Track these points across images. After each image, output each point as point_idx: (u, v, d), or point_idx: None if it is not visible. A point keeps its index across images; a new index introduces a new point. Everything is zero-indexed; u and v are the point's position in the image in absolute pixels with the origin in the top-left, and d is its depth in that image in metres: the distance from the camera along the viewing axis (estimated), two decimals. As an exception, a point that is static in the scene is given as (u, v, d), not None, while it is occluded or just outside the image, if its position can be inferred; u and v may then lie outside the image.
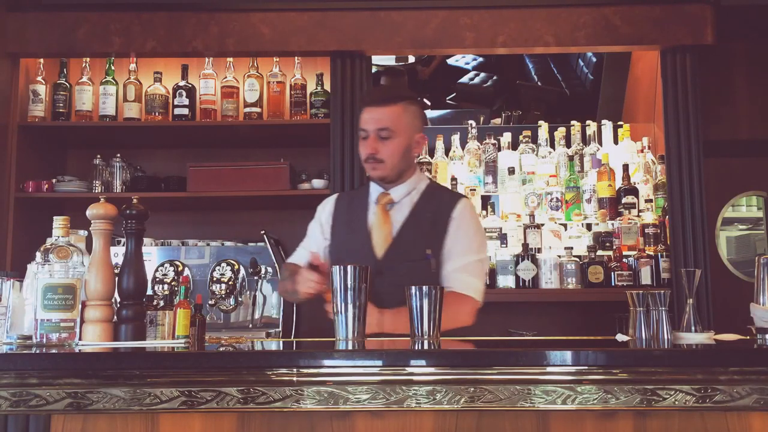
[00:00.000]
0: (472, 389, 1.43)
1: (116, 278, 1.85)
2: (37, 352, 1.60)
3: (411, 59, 5.96)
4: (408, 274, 2.08)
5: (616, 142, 4.03)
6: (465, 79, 6.08)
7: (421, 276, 2.13)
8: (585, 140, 4.04)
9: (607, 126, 4.07)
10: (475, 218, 2.34)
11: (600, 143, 4.02)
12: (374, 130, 2.21)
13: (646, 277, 3.60)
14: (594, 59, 5.36)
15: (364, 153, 2.24)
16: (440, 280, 2.21)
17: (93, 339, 1.79)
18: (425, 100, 6.04)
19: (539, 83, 5.88)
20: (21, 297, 1.85)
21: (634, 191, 3.79)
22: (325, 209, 2.40)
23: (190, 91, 3.86)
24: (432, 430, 1.52)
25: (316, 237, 2.38)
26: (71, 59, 3.92)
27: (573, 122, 4.07)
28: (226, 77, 3.88)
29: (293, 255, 2.45)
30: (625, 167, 3.81)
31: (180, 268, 3.63)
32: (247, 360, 1.57)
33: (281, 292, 2.55)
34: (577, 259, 3.63)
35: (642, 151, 3.97)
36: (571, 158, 3.94)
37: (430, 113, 5.61)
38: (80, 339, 1.76)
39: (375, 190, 2.33)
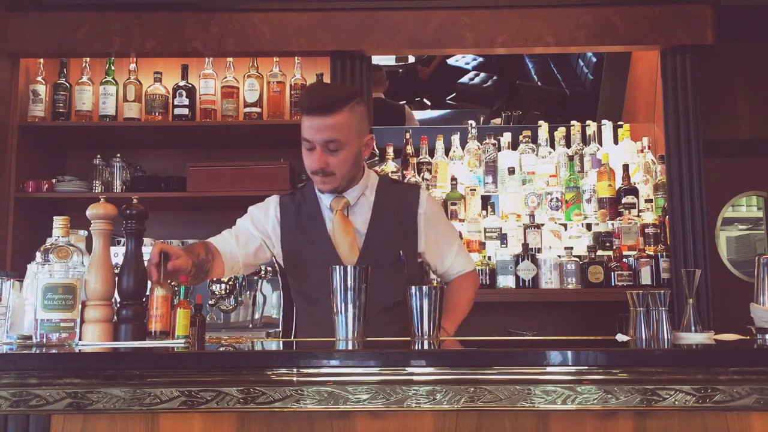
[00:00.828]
0: (472, 389, 1.43)
1: (116, 278, 1.85)
2: (37, 352, 1.60)
3: (411, 59, 5.96)
4: (383, 280, 1.97)
5: (616, 142, 4.03)
6: (465, 79, 6.08)
7: (397, 279, 2.08)
8: (585, 140, 4.04)
9: (607, 126, 4.07)
10: (438, 205, 2.33)
11: (600, 143, 4.02)
12: (321, 141, 2.02)
13: (646, 277, 3.60)
14: (594, 59, 5.36)
15: (312, 166, 2.05)
16: (442, 275, 2.30)
17: (93, 339, 1.79)
18: (425, 100, 6.05)
19: (539, 83, 5.89)
20: (21, 297, 1.85)
21: (634, 191, 3.80)
22: (269, 213, 2.22)
23: (190, 91, 3.86)
24: (432, 430, 1.52)
25: (251, 235, 2.22)
26: (71, 59, 3.92)
27: (573, 122, 4.08)
28: (226, 77, 3.88)
29: (214, 237, 2.27)
30: (625, 167, 3.81)
31: (180, 268, 3.62)
32: (247, 360, 1.57)
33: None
34: (577, 259, 3.63)
35: (642, 151, 3.97)
36: (571, 158, 3.94)
37: (430, 113, 5.62)
38: (80, 339, 1.76)
39: (325, 195, 2.17)
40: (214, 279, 3.61)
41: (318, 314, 2.14)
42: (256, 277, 3.63)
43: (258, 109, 3.84)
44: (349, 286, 1.76)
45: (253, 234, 2.23)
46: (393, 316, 2.08)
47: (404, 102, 5.68)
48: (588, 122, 4.09)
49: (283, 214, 2.21)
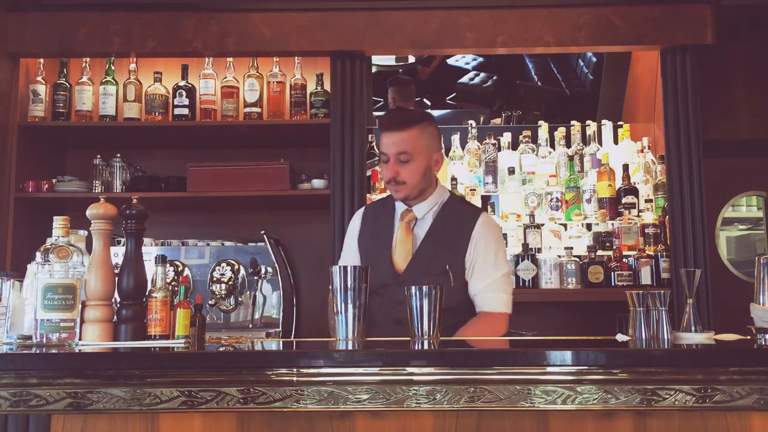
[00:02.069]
0: (472, 389, 1.43)
1: (116, 278, 1.85)
2: (37, 352, 1.60)
3: (411, 59, 5.96)
4: None
5: (616, 142, 4.03)
6: (465, 79, 6.08)
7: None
8: (585, 140, 4.04)
9: (607, 126, 4.07)
10: (496, 232, 2.40)
11: (600, 143, 4.02)
12: (394, 153, 2.28)
13: (646, 277, 3.60)
14: (594, 59, 5.36)
15: (386, 176, 2.31)
16: (469, 297, 2.29)
17: (93, 339, 1.79)
18: (425, 100, 6.05)
19: (539, 83, 5.89)
20: (21, 297, 1.85)
21: (634, 191, 3.79)
22: (354, 223, 2.48)
23: (190, 91, 3.86)
24: (432, 430, 1.52)
25: (351, 250, 2.43)
26: (71, 59, 3.92)
27: (573, 122, 4.07)
28: (226, 77, 3.88)
29: None
30: (625, 167, 3.81)
31: (180, 268, 3.63)
32: (247, 360, 1.57)
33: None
34: (577, 259, 3.63)
35: (642, 151, 3.97)
36: (571, 158, 3.94)
37: (430, 113, 5.61)
38: (80, 339, 1.76)
39: (400, 205, 2.39)
40: (214, 279, 3.61)
41: (371, 315, 2.19)
42: (256, 277, 3.64)
43: (258, 109, 3.84)
44: (349, 286, 1.76)
45: (349, 255, 2.43)
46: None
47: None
48: (588, 122, 4.09)
49: (363, 221, 2.46)
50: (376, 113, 4.76)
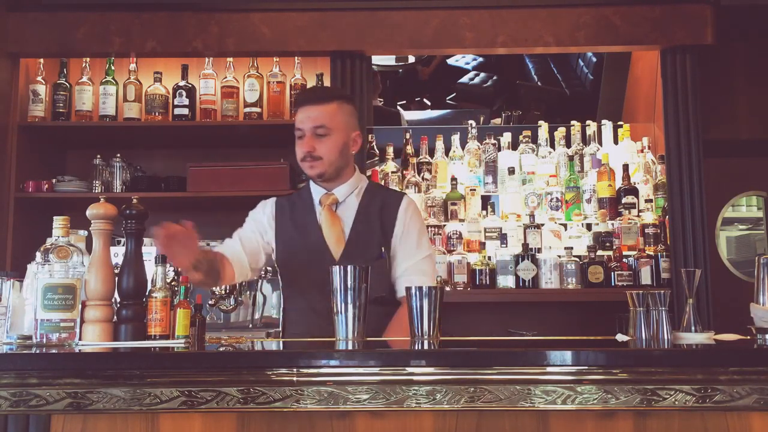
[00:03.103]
0: (472, 389, 1.43)
1: (116, 278, 1.85)
2: (37, 352, 1.60)
3: (411, 59, 5.96)
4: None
5: (616, 142, 4.03)
6: (465, 79, 6.08)
7: (379, 276, 2.13)
8: (585, 140, 4.04)
9: (607, 126, 4.07)
10: (419, 214, 2.36)
11: (600, 143, 4.02)
12: (310, 128, 2.21)
13: (646, 277, 3.60)
14: (594, 59, 5.36)
15: (301, 152, 2.22)
16: (392, 281, 2.24)
17: (93, 339, 1.79)
18: (425, 100, 6.04)
19: (539, 83, 5.88)
20: (21, 297, 1.85)
21: (634, 191, 3.79)
22: (265, 212, 2.34)
23: (190, 91, 3.86)
24: (432, 430, 1.52)
25: (252, 235, 2.30)
26: (71, 59, 3.92)
27: (573, 122, 4.07)
28: (226, 77, 3.88)
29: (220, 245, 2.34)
30: (625, 167, 3.81)
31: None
32: (247, 360, 1.57)
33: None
34: (577, 259, 3.63)
35: (642, 151, 3.97)
36: (571, 158, 3.94)
37: (430, 113, 5.61)
38: (80, 339, 1.76)
39: (317, 191, 2.30)
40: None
41: (306, 304, 2.23)
42: (256, 277, 3.63)
43: (258, 109, 3.84)
44: (349, 286, 1.76)
45: (254, 236, 2.31)
46: (373, 310, 2.04)
47: (404, 102, 5.68)
48: (588, 122, 4.09)
49: (278, 210, 2.33)
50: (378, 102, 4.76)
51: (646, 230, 3.72)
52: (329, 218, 2.24)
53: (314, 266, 2.14)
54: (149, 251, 3.74)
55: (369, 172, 3.80)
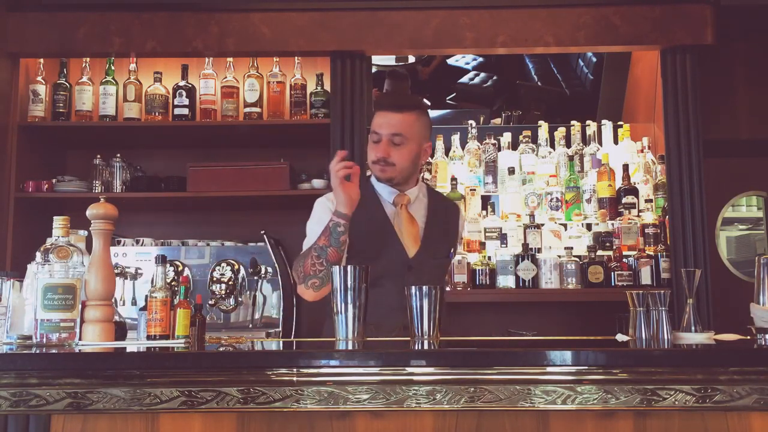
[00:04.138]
0: (472, 389, 1.43)
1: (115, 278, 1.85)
2: (37, 352, 1.60)
3: (411, 59, 5.96)
4: (433, 272, 2.26)
5: (616, 142, 4.03)
6: (465, 79, 6.08)
7: (442, 274, 2.37)
8: (585, 140, 4.04)
9: (607, 126, 4.07)
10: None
11: (600, 143, 4.02)
12: (388, 134, 2.25)
13: (646, 277, 3.60)
14: (594, 59, 5.36)
15: (375, 155, 2.27)
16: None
17: (93, 339, 1.79)
18: (425, 100, 6.04)
19: (539, 83, 5.88)
20: (21, 297, 1.85)
21: (634, 191, 3.79)
22: (330, 205, 2.28)
23: (190, 91, 3.86)
24: (432, 430, 1.52)
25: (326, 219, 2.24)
26: (71, 59, 3.92)
27: (573, 122, 4.07)
28: (226, 77, 3.88)
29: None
30: (625, 167, 3.81)
31: (180, 268, 3.62)
32: (247, 360, 1.57)
33: (310, 285, 2.18)
34: (577, 259, 3.63)
35: (642, 151, 3.97)
36: (571, 158, 3.94)
37: (430, 113, 5.60)
38: (80, 339, 1.76)
39: (384, 190, 2.35)
40: (214, 279, 3.61)
41: (376, 295, 2.09)
42: (256, 277, 3.64)
43: (258, 109, 3.84)
44: (349, 286, 1.76)
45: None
46: None
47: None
48: (588, 122, 4.09)
49: None
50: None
51: (646, 230, 3.72)
52: (407, 218, 2.30)
53: (389, 261, 2.21)
54: (149, 251, 3.76)
55: (369, 172, 3.79)
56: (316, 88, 3.82)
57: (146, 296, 1.88)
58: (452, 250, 2.38)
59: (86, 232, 1.96)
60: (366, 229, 2.28)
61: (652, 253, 3.66)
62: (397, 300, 1.92)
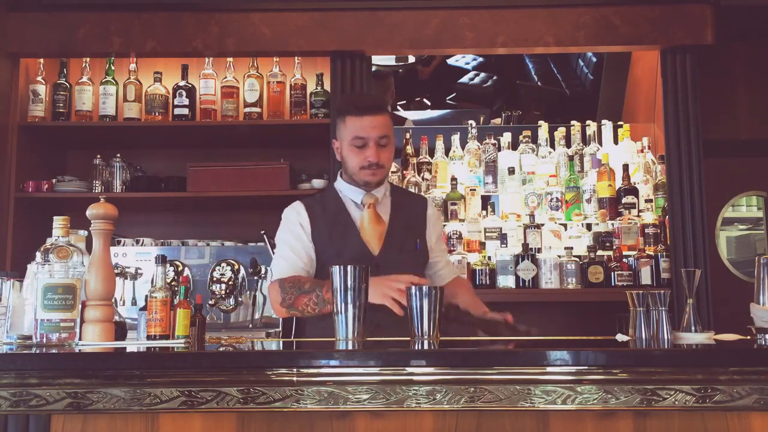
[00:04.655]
0: (472, 389, 1.43)
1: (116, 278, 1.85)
2: (37, 352, 1.60)
3: (411, 59, 5.96)
4: (403, 265, 2.21)
5: (616, 142, 4.03)
6: (465, 79, 6.08)
7: (416, 266, 2.32)
8: (585, 140, 4.04)
9: (607, 126, 4.07)
10: (439, 215, 2.64)
11: (600, 143, 4.02)
12: (376, 137, 2.26)
13: (646, 277, 3.60)
14: (594, 59, 5.36)
15: (366, 160, 2.27)
16: (432, 273, 2.45)
17: (93, 339, 1.79)
18: (425, 100, 6.05)
19: (539, 83, 5.88)
20: (21, 297, 1.85)
21: (634, 191, 3.79)
22: (300, 215, 2.34)
23: (190, 91, 3.86)
24: (432, 430, 1.52)
25: (303, 242, 2.30)
26: (71, 59, 3.92)
27: (573, 122, 4.07)
28: (226, 77, 3.88)
29: (279, 268, 2.30)
30: (625, 167, 3.81)
31: (180, 268, 3.62)
32: (247, 360, 1.57)
33: (295, 310, 2.21)
34: (577, 259, 3.63)
35: (642, 151, 3.97)
36: (571, 158, 3.94)
37: (430, 113, 5.61)
38: (80, 339, 1.76)
39: (352, 191, 2.36)
40: (214, 279, 3.62)
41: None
42: (256, 277, 3.64)
43: (258, 109, 3.84)
44: (349, 286, 1.76)
45: (302, 246, 2.32)
46: None
47: (404, 102, 5.68)
48: (588, 122, 4.09)
49: (310, 215, 2.35)
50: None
51: (646, 230, 3.72)
52: (374, 218, 2.32)
53: (354, 262, 2.16)
54: (149, 251, 3.76)
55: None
56: (316, 88, 3.83)
57: (146, 296, 1.88)
58: (417, 241, 2.38)
59: (86, 232, 1.96)
60: (333, 236, 2.30)
61: (652, 253, 3.66)
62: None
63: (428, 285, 1.81)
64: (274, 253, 2.44)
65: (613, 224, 3.77)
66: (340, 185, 2.40)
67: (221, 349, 1.76)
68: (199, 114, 3.89)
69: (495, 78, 6.03)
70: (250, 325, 3.60)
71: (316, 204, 2.39)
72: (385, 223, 2.33)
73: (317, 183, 3.77)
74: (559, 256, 3.63)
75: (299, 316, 2.28)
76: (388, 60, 5.83)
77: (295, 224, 2.34)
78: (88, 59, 3.90)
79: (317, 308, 2.14)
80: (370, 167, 2.28)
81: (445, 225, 3.75)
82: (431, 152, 3.97)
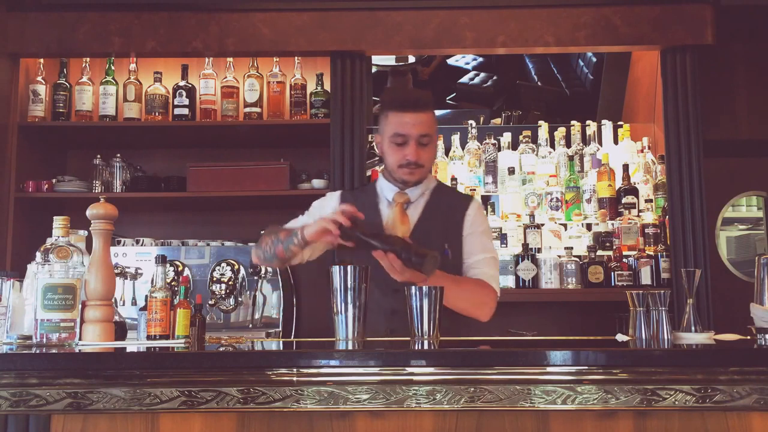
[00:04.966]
0: (472, 389, 1.43)
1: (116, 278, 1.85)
2: (37, 352, 1.60)
3: (411, 59, 5.96)
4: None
5: (616, 142, 4.03)
6: (465, 79, 6.08)
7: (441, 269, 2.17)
8: (585, 140, 4.04)
9: (607, 126, 4.07)
10: (486, 220, 2.38)
11: (600, 143, 4.02)
12: (417, 135, 2.17)
13: (646, 277, 3.60)
14: (594, 59, 5.35)
15: (405, 159, 2.19)
16: (462, 272, 2.25)
17: (93, 339, 1.79)
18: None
19: (539, 83, 5.88)
20: (21, 297, 1.85)
21: (634, 191, 3.79)
22: (330, 205, 2.33)
23: (190, 91, 3.86)
24: (432, 430, 1.52)
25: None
26: (71, 59, 3.92)
27: (573, 122, 4.07)
28: (226, 77, 3.88)
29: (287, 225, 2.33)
30: (625, 167, 3.81)
31: (180, 268, 3.62)
32: (247, 360, 1.57)
33: (257, 252, 2.25)
34: (577, 259, 3.63)
35: (642, 151, 3.97)
36: (571, 158, 3.94)
37: (430, 113, 5.60)
38: (80, 339, 1.76)
39: (389, 188, 2.29)
40: (214, 279, 3.61)
41: (377, 301, 2.16)
42: (256, 277, 3.64)
43: (258, 109, 3.84)
44: (349, 286, 1.76)
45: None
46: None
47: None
48: (588, 122, 4.09)
49: (343, 203, 2.29)
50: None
51: (646, 230, 3.72)
52: (399, 216, 2.22)
53: (375, 265, 2.08)
54: (149, 251, 3.76)
55: (369, 173, 3.80)
56: (316, 88, 3.83)
57: (146, 296, 1.88)
58: (446, 247, 2.24)
59: (86, 232, 1.96)
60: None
61: (652, 253, 3.66)
62: (385, 307, 1.86)
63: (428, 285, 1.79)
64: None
65: (613, 224, 3.77)
66: (380, 180, 2.35)
67: (221, 349, 1.76)
68: (199, 114, 3.89)
69: (495, 78, 6.03)
70: (250, 325, 3.60)
71: (351, 196, 2.38)
72: (409, 223, 2.22)
73: (317, 183, 3.77)
74: (559, 256, 3.63)
75: (264, 263, 2.24)
76: (388, 60, 5.83)
77: (325, 207, 2.31)
78: (88, 59, 3.90)
79: (272, 246, 2.15)
80: (408, 166, 2.20)
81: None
82: (431, 152, 3.96)
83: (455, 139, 4.03)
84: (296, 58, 3.86)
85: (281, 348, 2.01)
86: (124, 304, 3.37)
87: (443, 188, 2.44)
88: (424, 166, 2.22)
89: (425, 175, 2.27)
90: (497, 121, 4.90)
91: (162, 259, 1.94)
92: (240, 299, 3.63)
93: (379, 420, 1.52)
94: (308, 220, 2.24)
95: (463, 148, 4.01)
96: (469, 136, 4.02)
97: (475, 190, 3.82)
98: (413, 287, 1.74)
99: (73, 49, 3.80)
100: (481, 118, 4.80)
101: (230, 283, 3.60)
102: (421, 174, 2.24)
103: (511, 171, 3.86)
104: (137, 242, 3.74)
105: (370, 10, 3.72)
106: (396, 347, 1.70)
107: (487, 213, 3.79)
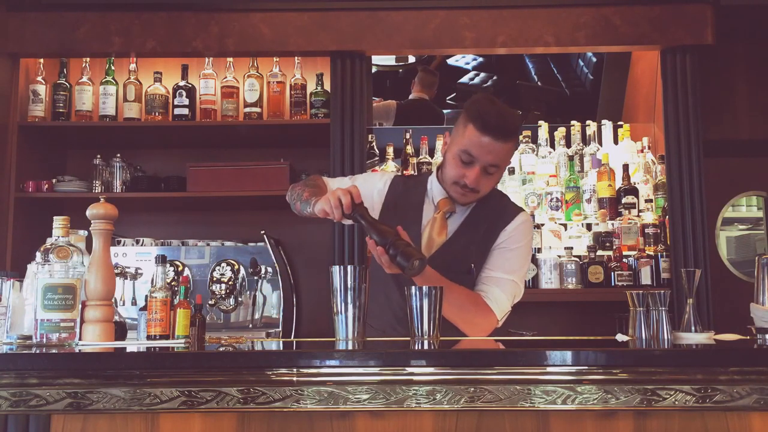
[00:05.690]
0: (472, 389, 1.43)
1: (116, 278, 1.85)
2: (37, 352, 1.60)
3: (411, 59, 5.96)
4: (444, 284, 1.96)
5: (616, 142, 4.03)
6: (465, 79, 6.09)
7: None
8: (585, 140, 4.04)
9: (607, 126, 4.07)
10: (526, 239, 2.19)
11: (600, 143, 4.02)
12: (485, 163, 2.04)
13: (646, 277, 3.60)
14: (594, 59, 5.36)
15: (463, 179, 2.06)
16: (473, 285, 2.14)
17: (93, 339, 1.79)
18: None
19: (539, 83, 5.89)
20: (21, 297, 1.85)
21: (634, 191, 3.79)
22: (377, 185, 2.24)
23: (190, 91, 3.86)
24: (432, 430, 1.52)
25: (370, 197, 2.17)
26: (71, 59, 3.92)
27: (573, 122, 4.07)
28: (226, 77, 3.88)
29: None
30: (625, 167, 3.81)
31: (180, 268, 3.63)
32: (247, 360, 1.57)
33: (289, 194, 2.23)
34: (577, 259, 3.63)
35: (642, 151, 3.97)
36: (571, 158, 3.94)
37: (431, 113, 5.61)
38: (80, 339, 1.76)
39: (438, 191, 2.19)
40: (214, 279, 3.62)
41: (385, 299, 2.17)
42: (256, 277, 3.64)
43: (258, 109, 3.84)
44: (349, 286, 1.76)
45: (366, 192, 2.14)
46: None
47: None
48: (588, 122, 4.09)
49: (391, 189, 2.24)
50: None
51: (646, 230, 3.72)
52: (439, 225, 2.14)
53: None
54: (149, 251, 3.76)
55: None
56: (316, 88, 3.83)
57: (146, 296, 1.88)
58: (472, 266, 2.12)
59: (86, 232, 1.96)
60: (392, 217, 2.14)
61: (652, 253, 3.66)
62: (404, 309, 1.79)
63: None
64: (272, 252, 2.40)
65: (613, 224, 3.77)
66: (432, 179, 2.23)
67: (221, 349, 1.76)
68: (199, 114, 3.89)
69: (495, 78, 6.03)
70: (250, 325, 3.60)
71: (402, 184, 2.27)
72: (447, 235, 2.13)
73: (317, 183, 3.76)
74: (559, 256, 3.63)
75: (290, 203, 2.22)
76: (388, 60, 5.83)
77: (371, 182, 2.25)
78: (88, 59, 3.90)
79: (295, 200, 2.16)
80: (463, 187, 2.08)
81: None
82: (431, 152, 3.97)
83: (455, 139, 4.02)
84: (296, 58, 3.87)
85: (281, 348, 2.01)
86: (124, 304, 3.38)
87: (493, 197, 2.22)
88: (479, 192, 2.09)
89: (476, 201, 2.14)
90: (497, 121, 4.90)
91: (162, 259, 1.94)
92: (240, 299, 3.63)
93: (379, 420, 1.52)
94: (348, 184, 2.12)
95: (463, 148, 4.00)
96: (469, 136, 4.01)
97: (475, 190, 3.81)
98: (413, 287, 1.74)
99: (73, 49, 3.80)
100: (481, 118, 4.79)
101: (230, 283, 3.60)
102: (473, 198, 2.12)
103: (511, 171, 3.86)
104: (137, 242, 3.74)
105: (370, 10, 3.72)
106: (396, 347, 1.71)
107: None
